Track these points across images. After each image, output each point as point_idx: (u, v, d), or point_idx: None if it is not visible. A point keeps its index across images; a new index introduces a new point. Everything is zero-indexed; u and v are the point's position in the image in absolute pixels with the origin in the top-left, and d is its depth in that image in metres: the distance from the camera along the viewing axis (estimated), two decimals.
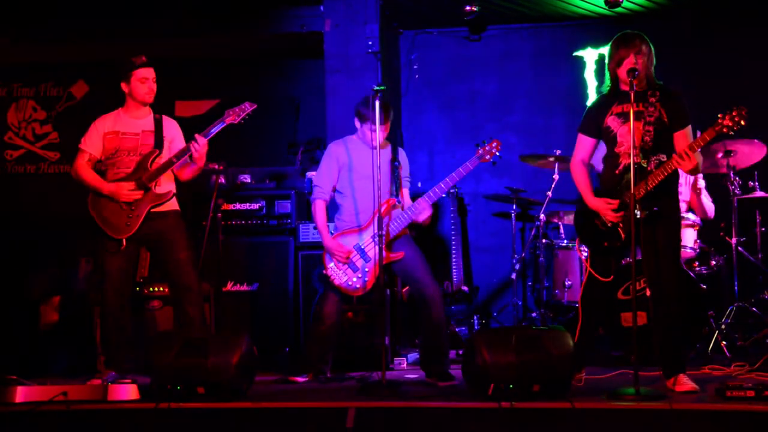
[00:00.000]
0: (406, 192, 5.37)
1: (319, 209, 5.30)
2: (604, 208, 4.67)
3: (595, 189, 4.79)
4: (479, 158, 5.20)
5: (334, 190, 5.34)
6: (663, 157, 4.54)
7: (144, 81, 5.20)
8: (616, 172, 4.65)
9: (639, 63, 4.53)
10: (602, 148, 4.86)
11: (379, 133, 4.91)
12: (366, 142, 5.23)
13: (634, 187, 4.37)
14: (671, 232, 4.62)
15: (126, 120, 5.26)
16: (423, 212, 5.18)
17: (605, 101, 4.75)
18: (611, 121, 4.68)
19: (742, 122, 4.33)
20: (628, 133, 4.48)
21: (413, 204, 5.18)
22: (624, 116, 4.56)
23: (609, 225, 4.69)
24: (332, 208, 5.43)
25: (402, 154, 5.39)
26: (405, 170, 5.38)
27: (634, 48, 4.55)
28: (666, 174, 4.49)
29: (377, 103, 4.88)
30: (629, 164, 4.40)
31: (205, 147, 5.12)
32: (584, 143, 4.84)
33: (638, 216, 4.40)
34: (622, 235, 4.65)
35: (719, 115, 4.37)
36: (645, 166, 4.54)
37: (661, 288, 4.56)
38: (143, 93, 5.21)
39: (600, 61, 7.49)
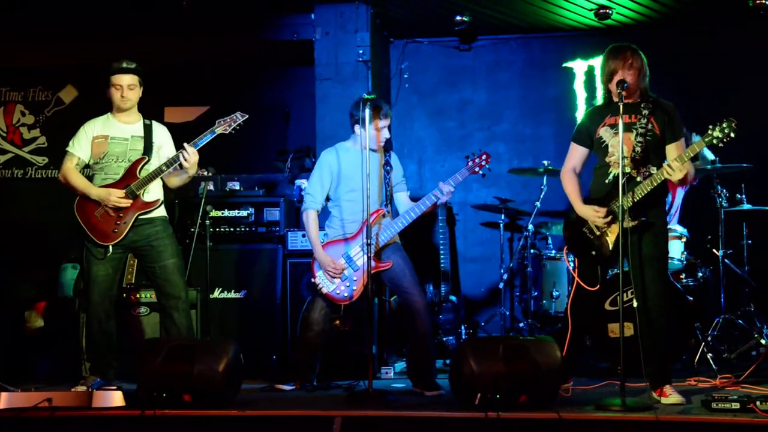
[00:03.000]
0: (404, 195, 5.34)
1: (311, 220, 5.24)
2: (593, 215, 4.68)
3: (585, 198, 4.81)
4: (469, 170, 5.18)
5: (328, 199, 5.32)
6: (653, 169, 4.56)
7: (118, 88, 5.17)
8: (605, 181, 4.68)
9: (628, 75, 4.56)
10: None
11: (383, 131, 4.95)
12: (364, 144, 5.20)
13: (621, 197, 4.39)
14: (658, 243, 4.64)
15: (115, 124, 5.24)
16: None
17: (599, 112, 4.79)
18: (604, 132, 4.72)
19: (732, 134, 4.35)
20: (619, 143, 4.50)
21: (406, 211, 5.17)
22: (617, 127, 4.58)
23: (597, 233, 4.70)
24: (323, 216, 5.40)
25: (394, 158, 5.36)
26: (398, 174, 5.36)
27: (624, 60, 4.58)
28: (653, 185, 4.51)
29: (368, 111, 4.90)
30: (618, 174, 4.43)
31: (196, 156, 5.09)
32: (576, 152, 4.86)
33: (630, 225, 4.44)
34: (610, 245, 4.66)
35: (709, 127, 4.40)
36: (634, 176, 4.57)
37: (648, 299, 4.57)
38: (117, 99, 5.19)
39: (589, 72, 7.52)
